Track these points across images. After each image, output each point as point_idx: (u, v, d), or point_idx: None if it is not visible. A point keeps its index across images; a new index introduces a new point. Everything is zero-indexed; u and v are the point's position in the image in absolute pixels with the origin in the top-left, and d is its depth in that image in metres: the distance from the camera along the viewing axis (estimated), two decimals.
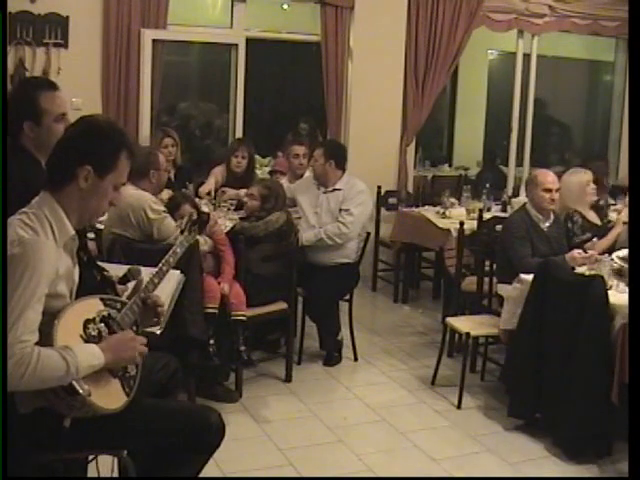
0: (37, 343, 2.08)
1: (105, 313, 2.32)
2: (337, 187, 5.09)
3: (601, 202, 5.38)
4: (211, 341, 4.01)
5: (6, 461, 2.06)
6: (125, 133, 2.40)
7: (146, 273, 2.57)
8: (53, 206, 2.24)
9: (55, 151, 2.34)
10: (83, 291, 2.34)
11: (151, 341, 2.69)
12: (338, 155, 5.14)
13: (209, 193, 5.59)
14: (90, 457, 2.59)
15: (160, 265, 2.56)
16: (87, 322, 2.24)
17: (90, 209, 2.31)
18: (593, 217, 4.98)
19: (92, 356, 2.18)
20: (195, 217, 2.89)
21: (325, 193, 5.10)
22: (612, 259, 4.21)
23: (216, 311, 4.13)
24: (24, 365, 2.02)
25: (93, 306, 2.30)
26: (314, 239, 4.98)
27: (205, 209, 4.63)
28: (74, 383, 2.12)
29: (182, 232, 2.82)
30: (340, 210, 5.00)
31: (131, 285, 2.57)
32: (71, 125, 2.40)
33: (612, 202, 6.13)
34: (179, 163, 5.96)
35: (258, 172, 6.44)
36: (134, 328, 2.41)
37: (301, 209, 5.15)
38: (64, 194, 2.26)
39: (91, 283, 2.42)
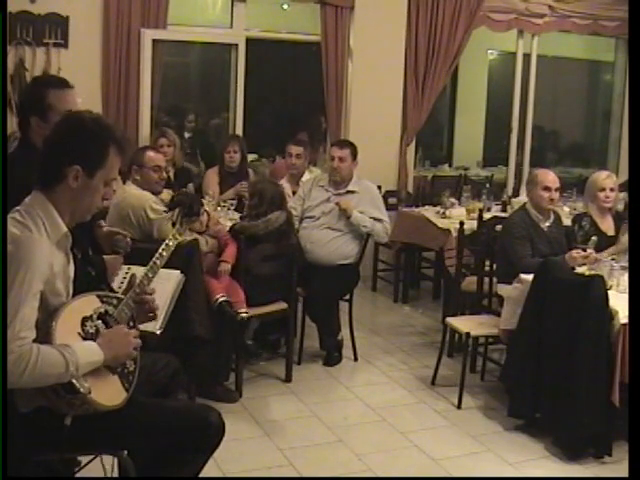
0: (36, 342, 2.08)
1: (102, 310, 2.32)
2: (351, 189, 5.08)
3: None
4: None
5: (6, 461, 2.06)
6: (112, 128, 2.34)
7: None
8: (45, 204, 2.24)
9: (43, 151, 2.33)
10: (78, 288, 2.34)
11: (151, 341, 2.69)
12: (356, 156, 5.15)
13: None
14: (89, 457, 2.59)
15: (154, 259, 2.55)
16: (84, 320, 2.25)
17: (82, 207, 2.31)
18: (607, 226, 4.72)
19: (91, 353, 2.18)
20: (186, 210, 2.87)
21: (337, 195, 5.07)
22: (613, 258, 4.20)
23: (226, 299, 4.18)
24: (23, 362, 2.02)
25: (90, 303, 2.31)
26: (367, 223, 4.98)
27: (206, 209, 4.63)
28: (74, 381, 2.12)
29: (174, 225, 2.81)
30: (372, 218, 5.01)
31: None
32: (58, 122, 2.36)
33: None
34: (180, 164, 5.94)
35: None
36: (131, 323, 2.42)
37: (311, 210, 5.12)
38: (55, 193, 2.25)
39: (86, 279, 2.42)
